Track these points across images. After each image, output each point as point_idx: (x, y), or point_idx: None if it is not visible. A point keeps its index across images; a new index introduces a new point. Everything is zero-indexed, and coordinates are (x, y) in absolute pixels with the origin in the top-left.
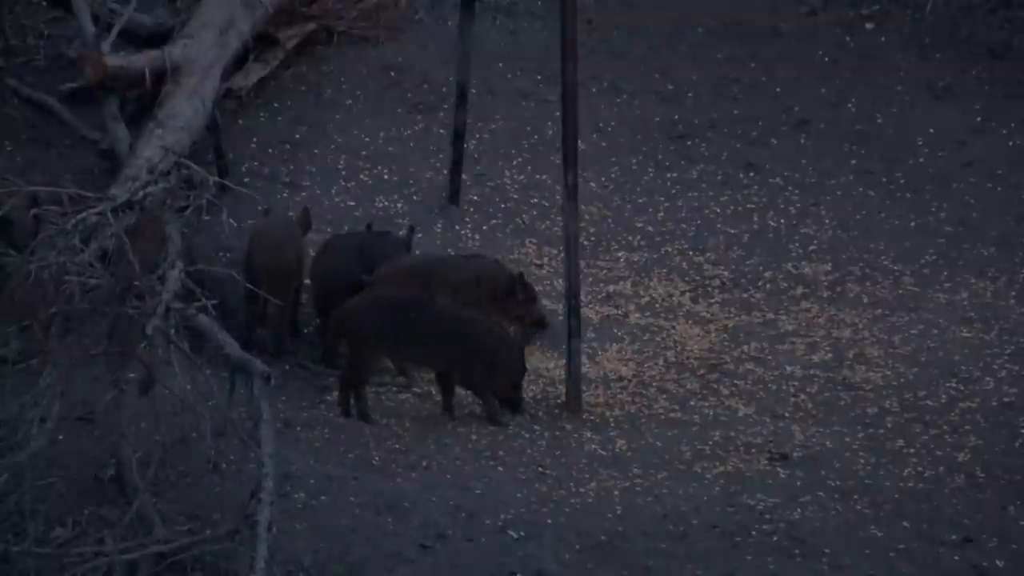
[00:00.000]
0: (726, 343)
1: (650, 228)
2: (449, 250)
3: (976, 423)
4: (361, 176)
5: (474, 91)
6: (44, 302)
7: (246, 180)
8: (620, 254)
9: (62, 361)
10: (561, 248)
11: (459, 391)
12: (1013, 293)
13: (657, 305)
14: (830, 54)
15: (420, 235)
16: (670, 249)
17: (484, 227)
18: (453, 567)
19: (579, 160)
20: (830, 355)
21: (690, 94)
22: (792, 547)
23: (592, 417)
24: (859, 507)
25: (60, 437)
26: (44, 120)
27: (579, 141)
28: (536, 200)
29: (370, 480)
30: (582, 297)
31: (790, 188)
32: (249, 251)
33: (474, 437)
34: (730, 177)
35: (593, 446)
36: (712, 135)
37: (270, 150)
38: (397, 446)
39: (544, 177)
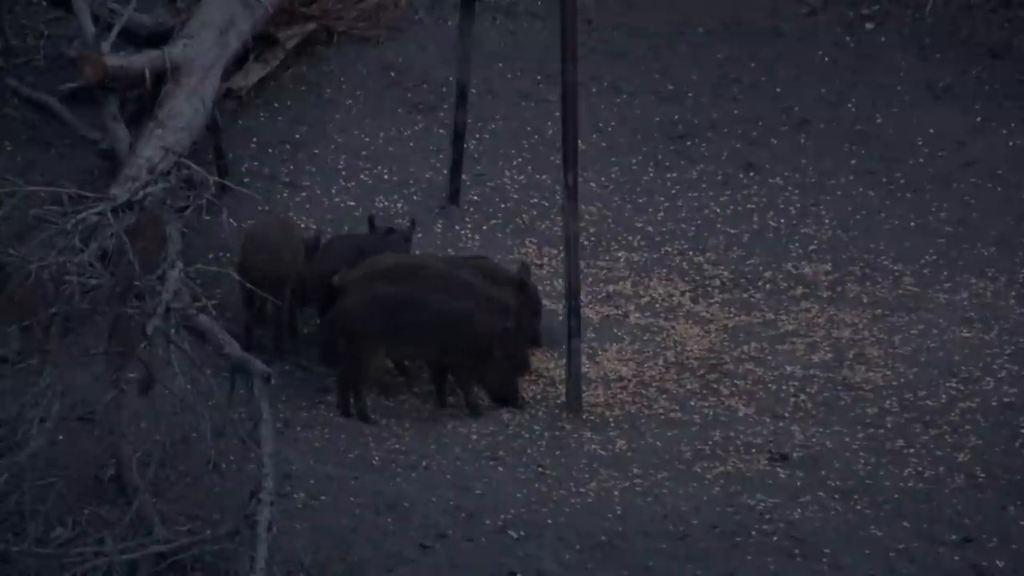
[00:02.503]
0: (726, 343)
1: (650, 228)
2: (449, 250)
3: (976, 423)
4: (361, 176)
5: (474, 91)
6: (44, 302)
7: (246, 180)
8: (620, 254)
9: (62, 361)
10: (561, 248)
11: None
12: (1013, 293)
13: (657, 305)
14: (830, 54)
15: (420, 235)
16: (670, 249)
17: (484, 227)
18: (453, 567)
19: (579, 160)
20: (830, 355)
21: (690, 94)
22: (792, 547)
23: (592, 417)
24: (859, 507)
25: (60, 437)
26: (44, 120)
27: (579, 141)
28: (536, 200)
29: (370, 480)
30: (582, 297)
31: (790, 188)
32: (243, 252)
33: (474, 437)
34: (730, 177)
35: (593, 446)
36: (712, 135)
37: (270, 150)
38: (397, 446)
39: (544, 177)
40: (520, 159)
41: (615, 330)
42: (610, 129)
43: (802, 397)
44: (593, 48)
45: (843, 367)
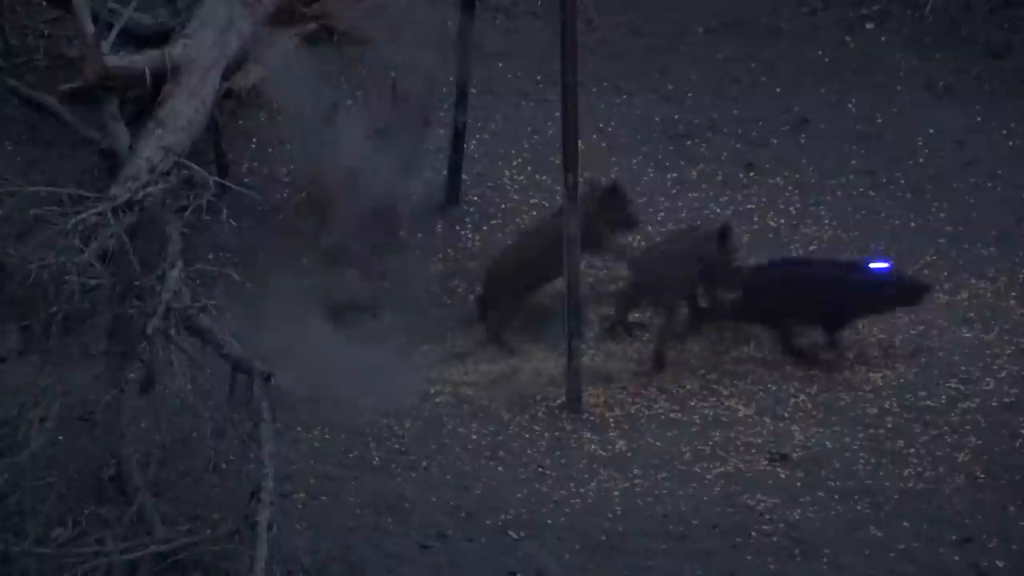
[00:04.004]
0: (726, 343)
1: (650, 228)
2: (449, 250)
3: (976, 423)
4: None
5: (474, 91)
6: (44, 302)
7: (246, 180)
8: None
9: (62, 361)
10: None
11: (464, 393)
12: (1013, 293)
13: None
14: (830, 54)
15: (421, 235)
16: None
17: (484, 227)
18: (453, 567)
19: (579, 160)
20: (830, 355)
21: (690, 94)
22: (792, 547)
23: (592, 417)
24: (859, 507)
25: (60, 437)
26: (44, 120)
27: (579, 141)
28: (536, 200)
29: (370, 480)
30: (582, 297)
31: (790, 188)
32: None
33: (474, 437)
34: (730, 177)
35: (593, 446)
36: (712, 135)
37: (270, 150)
38: (397, 446)
39: (544, 177)
40: (520, 159)
41: (615, 330)
42: (610, 129)
43: (802, 397)
44: (593, 48)
45: (843, 367)
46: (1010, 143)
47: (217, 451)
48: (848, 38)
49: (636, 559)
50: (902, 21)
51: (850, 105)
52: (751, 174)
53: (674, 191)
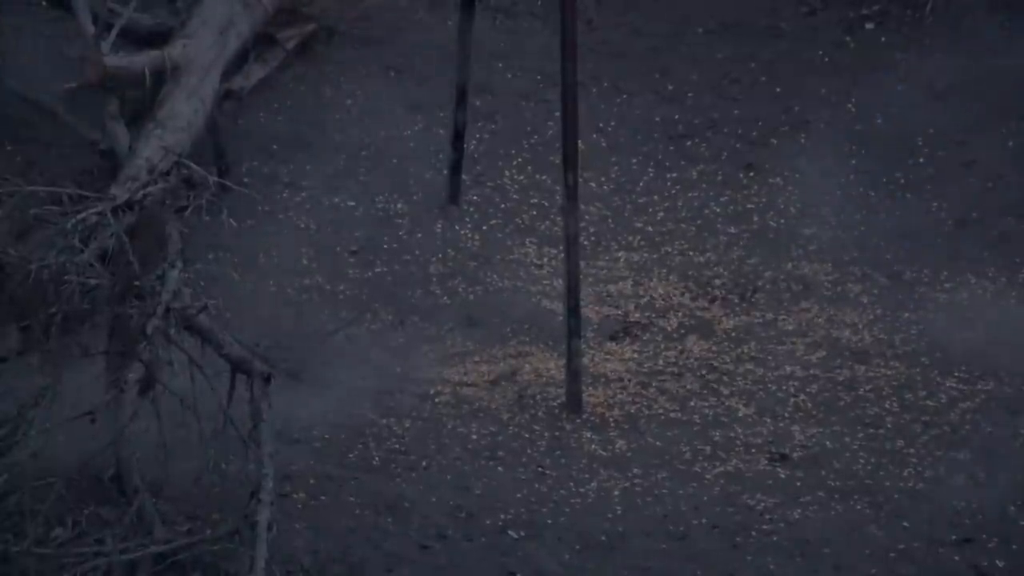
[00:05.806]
0: (726, 343)
1: (650, 228)
2: (449, 250)
3: (976, 423)
4: (361, 176)
5: (474, 91)
6: (44, 302)
7: (246, 180)
8: (620, 254)
9: (62, 360)
10: (561, 248)
11: (464, 393)
12: (1013, 293)
13: (657, 305)
14: (830, 54)
15: (420, 235)
16: (670, 249)
17: (484, 227)
18: (453, 567)
19: (579, 160)
20: (830, 355)
21: (690, 94)
22: (792, 547)
23: (592, 417)
24: (859, 507)
25: (60, 437)
26: (44, 120)
27: (579, 141)
28: (536, 200)
29: (370, 480)
30: (582, 297)
31: (790, 188)
32: None
33: (474, 437)
34: (730, 177)
35: (593, 446)
36: (712, 135)
37: (270, 150)
38: (397, 446)
39: (544, 177)
40: (520, 159)
41: (615, 330)
42: (610, 129)
43: (802, 397)
44: (593, 48)
45: (843, 367)
46: (1010, 143)
47: (217, 451)
48: (848, 38)
49: (636, 559)
50: (902, 21)
51: (850, 105)
52: (751, 174)
53: (674, 191)
